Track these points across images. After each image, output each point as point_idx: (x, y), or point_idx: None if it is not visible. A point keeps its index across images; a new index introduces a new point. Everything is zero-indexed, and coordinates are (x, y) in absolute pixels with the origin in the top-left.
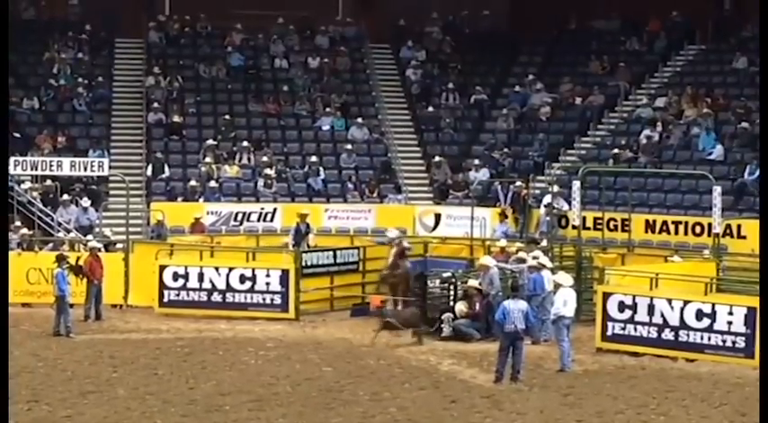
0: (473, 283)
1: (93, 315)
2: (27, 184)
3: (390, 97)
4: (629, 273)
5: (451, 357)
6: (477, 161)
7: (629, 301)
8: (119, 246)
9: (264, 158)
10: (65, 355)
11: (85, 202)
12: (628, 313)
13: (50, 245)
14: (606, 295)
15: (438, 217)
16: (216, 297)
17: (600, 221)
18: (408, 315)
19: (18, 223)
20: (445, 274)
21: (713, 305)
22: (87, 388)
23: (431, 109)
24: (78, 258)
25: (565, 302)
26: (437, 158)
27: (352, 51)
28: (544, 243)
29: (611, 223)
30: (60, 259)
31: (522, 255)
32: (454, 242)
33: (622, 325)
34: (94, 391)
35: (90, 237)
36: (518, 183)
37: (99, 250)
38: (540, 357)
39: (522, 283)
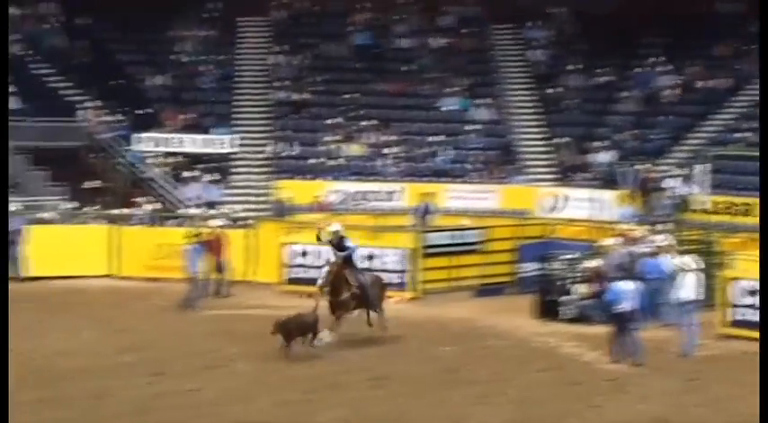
0: (595, 263)
1: (222, 291)
2: (153, 161)
3: (514, 78)
4: (756, 258)
5: (573, 339)
6: (601, 143)
7: (754, 286)
8: (243, 223)
9: (389, 138)
10: (190, 329)
11: (210, 178)
12: (753, 299)
13: (176, 220)
14: (732, 280)
15: (563, 198)
16: None
17: (726, 205)
18: (309, 321)
19: (144, 199)
20: (567, 256)
21: None
22: (211, 362)
23: (556, 90)
24: (204, 235)
25: (690, 286)
26: (561, 140)
27: (476, 32)
28: (669, 226)
29: (738, 208)
30: (192, 235)
31: (645, 237)
32: (577, 224)
33: (747, 311)
34: (219, 366)
35: (215, 212)
36: (643, 165)
37: (224, 227)
38: (663, 341)
39: (640, 267)
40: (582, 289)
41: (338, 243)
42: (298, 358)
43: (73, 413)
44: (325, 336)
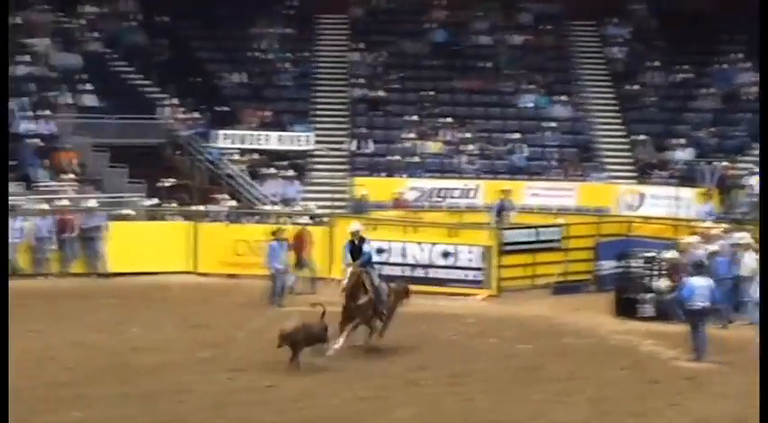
0: (672, 255)
1: (304, 288)
2: (232, 158)
3: (594, 75)
4: None
5: (652, 337)
6: (681, 140)
7: None
8: (321, 220)
9: (467, 135)
10: (268, 325)
11: (288, 175)
12: None
13: (256, 217)
14: None
15: (641, 196)
16: (418, 272)
17: None
18: (317, 331)
19: (225, 196)
20: (646, 254)
21: None
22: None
23: (635, 87)
24: (287, 231)
25: None
26: (640, 137)
27: (555, 28)
28: (748, 224)
29: None
30: (276, 232)
31: (724, 235)
32: (657, 222)
33: None
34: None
35: (293, 209)
36: (723, 163)
37: (307, 224)
38: (743, 340)
39: (717, 265)
40: (662, 283)
41: (358, 244)
42: (375, 355)
43: (153, 408)
44: (335, 343)
